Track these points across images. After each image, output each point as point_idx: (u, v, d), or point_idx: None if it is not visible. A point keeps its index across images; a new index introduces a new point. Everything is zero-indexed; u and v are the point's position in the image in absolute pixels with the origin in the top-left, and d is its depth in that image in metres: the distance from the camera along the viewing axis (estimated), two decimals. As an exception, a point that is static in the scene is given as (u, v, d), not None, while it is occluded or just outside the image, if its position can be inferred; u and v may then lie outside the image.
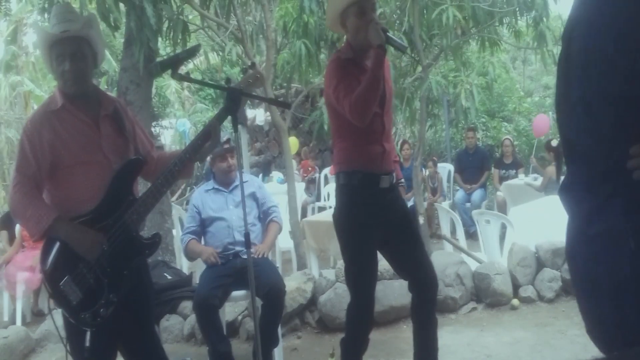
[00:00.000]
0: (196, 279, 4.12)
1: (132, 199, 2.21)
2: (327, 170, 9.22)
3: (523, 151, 9.70)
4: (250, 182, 3.59)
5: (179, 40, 4.60)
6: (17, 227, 5.23)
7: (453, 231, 5.31)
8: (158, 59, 4.46)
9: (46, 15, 4.70)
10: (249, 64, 2.84)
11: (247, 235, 2.28)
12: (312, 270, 4.72)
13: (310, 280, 4.16)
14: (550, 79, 12.44)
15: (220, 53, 6.22)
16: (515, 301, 4.19)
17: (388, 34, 2.44)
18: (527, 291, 4.25)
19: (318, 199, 8.54)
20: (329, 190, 7.82)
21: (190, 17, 5.90)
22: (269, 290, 3.16)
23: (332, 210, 6.13)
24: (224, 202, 3.53)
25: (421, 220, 4.95)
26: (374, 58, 2.40)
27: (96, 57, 2.26)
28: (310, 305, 4.12)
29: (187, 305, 4.11)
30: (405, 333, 3.75)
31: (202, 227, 3.53)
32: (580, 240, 1.16)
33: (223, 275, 3.31)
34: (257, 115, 13.08)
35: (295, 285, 4.04)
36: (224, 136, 3.55)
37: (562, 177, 1.23)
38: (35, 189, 2.13)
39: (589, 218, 1.12)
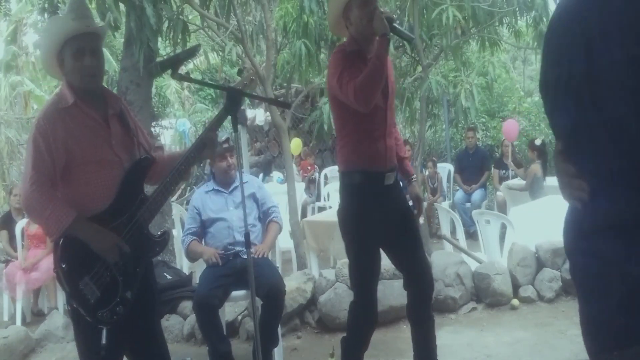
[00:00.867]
0: (196, 279, 4.12)
1: (143, 197, 2.24)
2: (327, 170, 9.22)
3: (523, 151, 9.69)
4: (250, 183, 3.59)
5: (179, 40, 4.61)
6: (19, 227, 5.23)
7: (453, 231, 5.30)
8: (158, 59, 4.46)
9: (46, 16, 4.70)
10: (241, 67, 2.92)
11: (247, 235, 2.28)
12: (312, 270, 4.72)
13: (310, 280, 4.16)
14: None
15: (220, 53, 6.22)
16: (515, 301, 4.19)
17: (393, 24, 2.46)
18: (527, 291, 4.25)
19: (318, 199, 8.53)
20: (329, 190, 7.81)
21: (190, 17, 5.90)
22: (269, 290, 3.16)
23: (332, 210, 6.14)
24: (224, 203, 3.53)
25: (421, 220, 4.94)
26: (378, 45, 2.43)
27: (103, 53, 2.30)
28: (310, 305, 4.12)
29: (187, 305, 4.11)
30: (405, 333, 3.75)
31: (203, 228, 3.53)
32: (582, 236, 1.11)
33: (223, 275, 3.31)
34: (257, 115, 13.07)
35: (295, 285, 4.04)
36: (223, 135, 3.55)
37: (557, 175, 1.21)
38: (52, 188, 2.13)
39: (594, 213, 1.07)
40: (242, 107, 2.43)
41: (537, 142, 6.97)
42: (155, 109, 11.44)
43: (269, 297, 3.18)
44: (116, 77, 6.09)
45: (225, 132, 4.27)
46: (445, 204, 7.00)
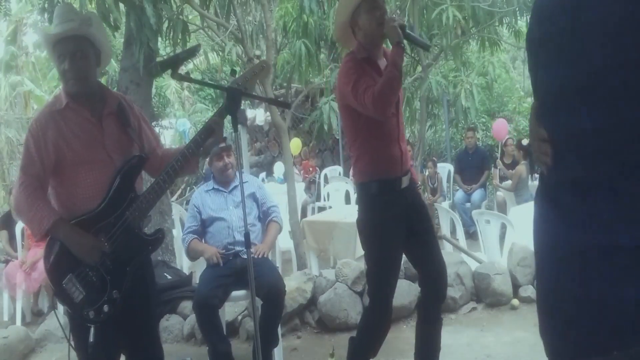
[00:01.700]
0: (196, 279, 4.12)
1: (133, 196, 2.22)
2: (327, 170, 9.22)
3: (523, 151, 9.70)
4: (250, 183, 3.59)
5: (179, 40, 4.61)
6: (19, 227, 5.23)
7: (453, 231, 5.30)
8: (158, 59, 4.45)
9: (46, 16, 4.70)
10: (255, 55, 2.84)
11: (247, 235, 2.28)
12: (312, 270, 4.72)
13: (310, 280, 4.16)
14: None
15: (220, 53, 6.23)
16: (515, 301, 4.19)
17: (407, 30, 2.45)
18: (527, 291, 4.25)
19: (318, 199, 8.54)
20: (329, 190, 7.82)
21: (190, 17, 5.90)
22: (268, 290, 3.16)
23: (332, 210, 6.14)
24: (223, 202, 3.53)
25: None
26: (393, 54, 2.42)
27: (99, 55, 2.27)
28: (310, 305, 4.12)
29: (187, 305, 4.11)
30: (405, 333, 3.75)
31: (203, 226, 3.53)
32: (599, 252, 0.99)
33: (223, 275, 3.31)
34: (257, 115, 13.08)
35: (295, 285, 4.04)
36: None
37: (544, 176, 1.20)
38: (39, 189, 2.16)
39: (614, 225, 0.97)
40: (242, 107, 2.41)
41: (524, 142, 7.00)
42: (155, 109, 11.44)
43: (269, 297, 3.18)
44: (116, 77, 6.08)
45: (224, 131, 4.25)
46: (445, 204, 7.00)
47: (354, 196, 7.11)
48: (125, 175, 2.23)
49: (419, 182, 2.96)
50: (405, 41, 2.47)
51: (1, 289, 5.24)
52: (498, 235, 4.55)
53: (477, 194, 7.39)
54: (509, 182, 7.08)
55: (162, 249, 4.72)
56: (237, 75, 2.35)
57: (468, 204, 7.28)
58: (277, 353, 3.40)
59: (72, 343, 2.23)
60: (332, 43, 5.14)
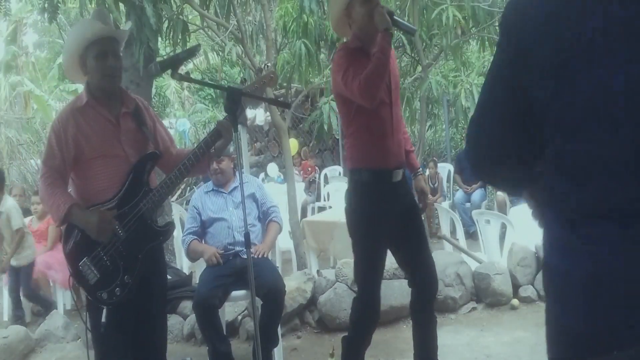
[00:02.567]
0: (196, 279, 4.11)
1: (147, 190, 2.39)
2: (327, 170, 9.22)
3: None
4: (249, 183, 3.60)
5: (178, 40, 4.61)
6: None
7: (453, 231, 5.30)
8: (158, 59, 4.45)
9: (46, 15, 4.70)
10: (264, 64, 2.93)
11: (247, 235, 2.28)
12: (312, 270, 4.71)
13: (310, 280, 4.16)
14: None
15: (220, 53, 6.23)
16: (515, 301, 4.19)
17: (395, 17, 2.47)
18: (527, 291, 4.25)
19: (318, 199, 8.53)
20: (329, 190, 7.82)
21: (190, 17, 5.90)
22: (268, 290, 3.16)
23: (332, 210, 6.14)
24: (223, 203, 3.53)
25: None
26: (381, 40, 2.43)
27: None
28: (310, 305, 4.12)
29: (187, 305, 4.11)
30: (405, 333, 3.75)
31: (203, 227, 3.53)
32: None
33: (223, 275, 3.31)
34: (257, 115, 13.06)
35: (295, 285, 4.04)
36: None
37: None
38: (59, 180, 2.33)
39: (614, 259, 0.92)
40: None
41: None
42: (155, 109, 11.41)
43: (268, 297, 3.18)
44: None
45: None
46: (445, 204, 7.00)
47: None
48: (139, 170, 2.40)
49: (420, 168, 2.94)
50: (405, 41, 2.47)
51: (1, 288, 5.24)
52: (498, 235, 4.55)
53: (477, 194, 7.38)
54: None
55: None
56: (246, 84, 2.45)
57: (468, 204, 7.28)
58: (277, 353, 3.40)
59: (88, 323, 2.39)
60: (332, 43, 5.14)
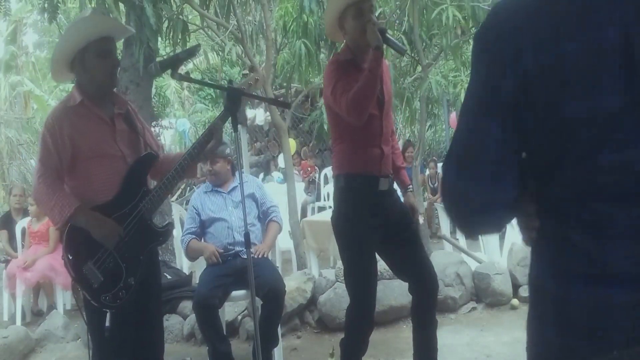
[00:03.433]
0: (196, 279, 4.12)
1: (145, 190, 2.39)
2: (327, 170, 9.21)
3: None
4: (249, 183, 3.59)
5: (178, 40, 4.60)
6: (19, 227, 5.23)
7: (453, 231, 5.31)
8: (158, 59, 4.45)
9: (46, 15, 4.70)
10: (249, 67, 2.94)
11: (247, 235, 2.28)
12: (312, 270, 4.71)
13: (310, 280, 4.16)
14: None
15: (220, 53, 6.21)
16: (515, 301, 4.19)
17: (387, 35, 2.45)
18: (527, 291, 4.24)
19: (318, 199, 8.53)
20: (329, 190, 7.81)
21: (190, 17, 5.90)
22: (268, 290, 3.16)
23: (332, 210, 6.12)
24: (222, 203, 3.53)
25: (421, 220, 4.94)
26: (371, 58, 2.41)
27: None
28: (310, 305, 4.12)
29: (187, 305, 4.11)
30: (405, 333, 3.75)
31: (202, 228, 3.53)
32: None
33: (223, 275, 3.31)
34: (257, 115, 13.06)
35: (295, 285, 4.04)
36: None
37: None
38: (58, 180, 2.31)
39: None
40: (242, 107, 2.47)
41: None
42: (155, 109, 11.43)
43: (268, 297, 3.18)
44: (116, 77, 6.07)
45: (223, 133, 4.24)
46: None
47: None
48: (137, 170, 2.39)
49: (410, 184, 2.93)
50: (405, 40, 2.47)
51: (1, 288, 5.24)
52: (498, 235, 4.55)
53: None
54: None
55: (162, 249, 4.72)
56: (233, 84, 2.47)
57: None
58: (277, 353, 3.40)
59: (89, 329, 2.39)
60: (332, 43, 5.13)
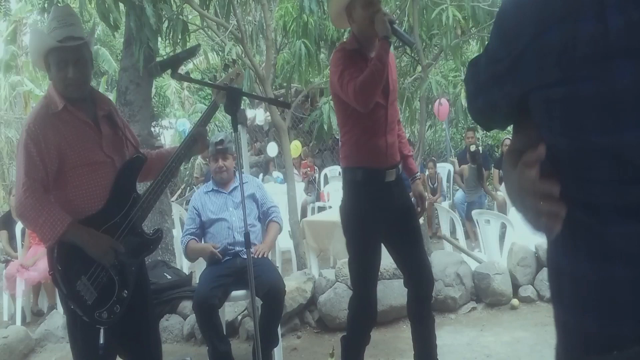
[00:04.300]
0: (196, 279, 4.12)
1: (136, 197, 2.27)
2: (327, 170, 9.21)
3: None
4: (249, 183, 3.59)
5: (178, 40, 4.60)
6: (19, 227, 5.23)
7: (453, 231, 5.31)
8: (158, 59, 4.45)
9: (46, 16, 4.70)
10: (231, 60, 2.96)
11: (247, 235, 2.28)
12: (312, 270, 4.71)
13: (310, 280, 4.16)
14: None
15: (220, 53, 6.22)
16: (515, 301, 4.19)
17: (395, 26, 2.46)
18: (527, 291, 4.25)
19: (318, 199, 8.53)
20: (329, 190, 7.81)
21: (190, 17, 5.90)
22: (268, 290, 3.16)
23: (332, 210, 6.14)
24: (223, 203, 3.53)
25: (421, 220, 4.94)
26: (379, 47, 2.43)
27: (92, 59, 2.30)
28: (310, 305, 4.12)
29: (187, 305, 4.11)
30: (405, 333, 3.75)
31: (202, 228, 3.53)
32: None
33: (223, 275, 3.31)
34: (257, 115, 13.07)
35: (295, 285, 4.04)
36: (218, 137, 3.57)
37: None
38: (45, 193, 2.15)
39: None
40: (242, 107, 2.46)
41: (472, 148, 7.46)
42: (155, 109, 11.44)
43: (268, 297, 3.18)
44: (116, 77, 6.09)
45: (222, 133, 4.26)
46: (445, 204, 7.00)
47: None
48: (126, 176, 2.28)
49: (418, 174, 2.95)
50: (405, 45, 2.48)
51: (1, 289, 5.24)
52: (498, 235, 4.55)
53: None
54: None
55: (162, 249, 4.72)
56: (216, 81, 2.46)
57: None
58: (277, 353, 3.40)
59: (71, 346, 2.25)
60: (332, 43, 5.14)
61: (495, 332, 3.78)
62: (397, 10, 5.19)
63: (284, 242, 5.28)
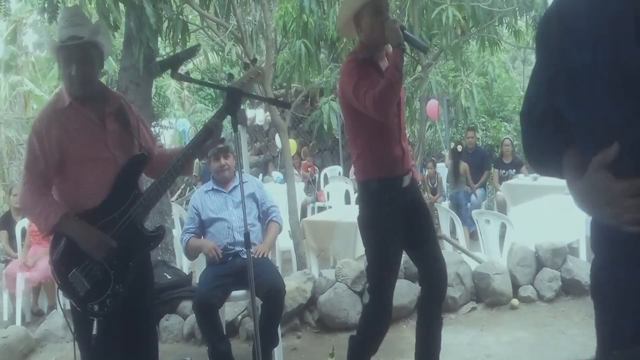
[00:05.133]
0: (196, 279, 4.12)
1: (137, 194, 2.29)
2: (327, 170, 9.22)
3: (523, 151, 9.71)
4: (249, 183, 3.59)
5: (178, 40, 4.60)
6: (19, 227, 5.23)
7: (453, 231, 5.31)
8: (158, 59, 4.45)
9: (46, 16, 4.70)
10: (252, 58, 2.87)
11: (246, 235, 2.28)
12: (312, 270, 4.71)
13: (310, 280, 4.16)
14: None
15: (220, 53, 6.22)
16: (515, 301, 4.19)
17: (406, 32, 2.45)
18: (527, 291, 4.25)
19: (318, 198, 8.53)
20: (329, 190, 7.81)
21: (190, 17, 5.90)
22: (268, 290, 3.16)
23: (332, 210, 6.14)
24: (223, 202, 3.53)
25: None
26: (394, 55, 2.43)
27: (102, 57, 2.33)
28: (310, 305, 4.12)
29: (187, 305, 4.11)
30: (405, 333, 3.75)
31: (202, 228, 3.53)
32: None
33: (223, 275, 3.31)
34: (257, 115, 13.07)
35: (295, 285, 4.04)
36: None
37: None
38: (44, 186, 2.22)
39: None
40: (242, 107, 2.42)
41: (459, 148, 7.64)
42: (155, 109, 11.44)
43: (268, 297, 3.18)
44: (116, 77, 6.08)
45: (222, 132, 4.24)
46: (445, 204, 7.00)
47: (354, 196, 7.11)
48: (128, 173, 2.30)
49: (419, 182, 2.97)
50: (419, 50, 2.47)
51: (1, 289, 5.24)
52: (498, 235, 4.55)
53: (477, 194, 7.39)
54: (511, 181, 7.08)
55: (162, 249, 4.72)
56: (234, 80, 2.39)
57: (468, 204, 7.28)
58: (277, 353, 3.40)
59: (77, 340, 2.30)
60: (332, 43, 5.14)
61: (495, 332, 3.78)
62: (397, 10, 5.19)
63: (284, 242, 5.28)
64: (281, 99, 6.89)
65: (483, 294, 4.26)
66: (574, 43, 1.00)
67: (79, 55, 2.21)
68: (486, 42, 5.41)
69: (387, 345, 3.61)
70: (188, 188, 9.63)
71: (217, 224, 3.48)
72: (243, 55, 5.37)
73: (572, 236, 4.83)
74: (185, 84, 13.54)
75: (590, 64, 0.97)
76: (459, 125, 9.77)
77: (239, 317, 4.01)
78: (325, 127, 4.97)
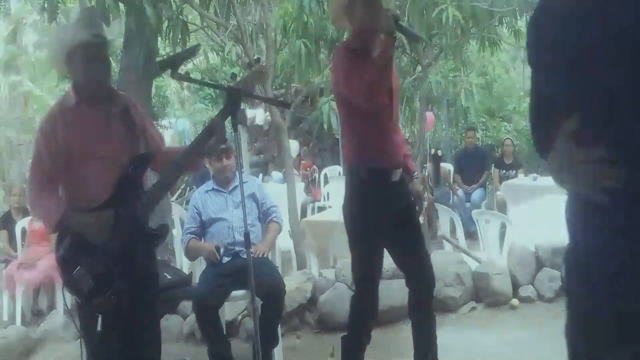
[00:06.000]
0: (196, 279, 4.11)
1: (140, 192, 2.34)
2: (327, 170, 9.21)
3: (523, 151, 9.69)
4: (250, 183, 3.59)
5: (178, 40, 4.60)
6: (19, 227, 5.23)
7: (453, 231, 5.31)
8: (158, 59, 4.45)
9: (45, 15, 4.69)
10: (255, 58, 2.88)
11: (247, 235, 2.28)
12: (312, 270, 4.71)
13: (310, 280, 4.16)
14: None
15: (220, 53, 6.21)
16: (514, 301, 4.19)
17: (399, 22, 2.45)
18: (527, 291, 4.25)
19: (316, 198, 8.52)
20: (329, 190, 7.81)
21: (190, 17, 5.90)
22: (268, 290, 3.16)
23: (332, 210, 6.15)
24: (223, 202, 3.53)
25: (421, 219, 4.94)
26: (384, 44, 2.42)
27: (107, 59, 2.39)
28: (310, 305, 4.12)
29: (186, 305, 4.11)
30: (405, 333, 3.75)
31: (202, 227, 3.53)
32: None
33: (223, 275, 3.31)
34: (257, 115, 13.06)
35: (295, 285, 4.04)
36: None
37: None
38: (49, 184, 2.28)
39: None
40: (242, 107, 2.44)
41: (440, 152, 7.81)
42: (155, 109, 11.43)
43: (268, 297, 3.18)
44: (116, 77, 6.09)
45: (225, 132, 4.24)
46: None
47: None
48: (132, 172, 2.33)
49: (416, 173, 2.95)
50: (405, 41, 2.47)
51: (1, 289, 5.24)
52: (498, 234, 4.55)
53: (476, 194, 7.39)
54: (510, 181, 7.08)
55: (162, 249, 4.71)
56: (237, 79, 2.40)
57: (468, 204, 7.29)
58: (277, 353, 3.40)
59: (82, 333, 2.35)
60: (332, 43, 5.13)
61: (495, 332, 3.78)
62: (397, 10, 5.18)
63: (284, 242, 5.27)
64: (281, 99, 6.89)
65: (483, 293, 4.26)
66: (568, 30, 1.07)
67: (97, 54, 2.26)
68: (486, 42, 5.40)
69: (386, 345, 3.63)
70: (188, 188, 9.62)
71: (218, 224, 3.48)
72: (243, 55, 5.37)
73: (572, 236, 4.83)
74: (185, 84, 13.51)
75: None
76: (459, 125, 9.77)
77: (239, 317, 4.01)
78: (325, 127, 4.98)
